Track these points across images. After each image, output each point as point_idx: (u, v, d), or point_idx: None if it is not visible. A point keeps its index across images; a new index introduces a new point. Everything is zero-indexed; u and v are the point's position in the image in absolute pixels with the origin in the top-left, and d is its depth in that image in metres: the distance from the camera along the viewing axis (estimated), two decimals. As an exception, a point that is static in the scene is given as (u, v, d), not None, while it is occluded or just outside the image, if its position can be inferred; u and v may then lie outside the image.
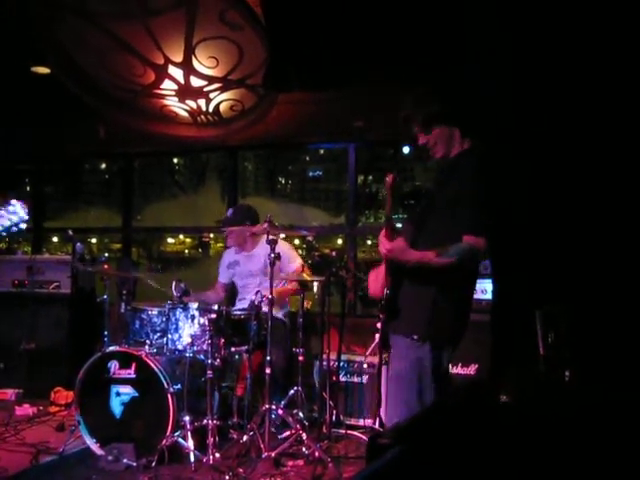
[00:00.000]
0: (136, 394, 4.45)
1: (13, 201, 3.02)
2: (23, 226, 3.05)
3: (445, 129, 3.29)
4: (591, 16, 4.14)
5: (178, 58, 5.68)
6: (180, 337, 4.58)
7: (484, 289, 4.83)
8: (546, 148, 4.52)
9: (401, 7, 4.75)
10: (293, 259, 5.35)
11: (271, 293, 4.43)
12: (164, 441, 4.20)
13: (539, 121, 4.51)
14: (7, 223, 2.99)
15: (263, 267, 5.29)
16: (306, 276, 4.97)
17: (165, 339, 4.62)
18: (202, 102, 6.22)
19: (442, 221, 3.17)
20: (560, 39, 4.31)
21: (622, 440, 1.76)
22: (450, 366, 4.75)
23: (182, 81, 5.94)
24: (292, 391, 4.94)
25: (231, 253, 5.73)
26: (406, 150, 7.14)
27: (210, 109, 6.30)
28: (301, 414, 4.82)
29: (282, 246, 5.05)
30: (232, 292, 5.69)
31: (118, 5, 5.24)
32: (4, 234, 3.01)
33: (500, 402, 2.06)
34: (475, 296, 4.80)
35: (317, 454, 4.31)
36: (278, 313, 5.28)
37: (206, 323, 4.46)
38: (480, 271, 3.58)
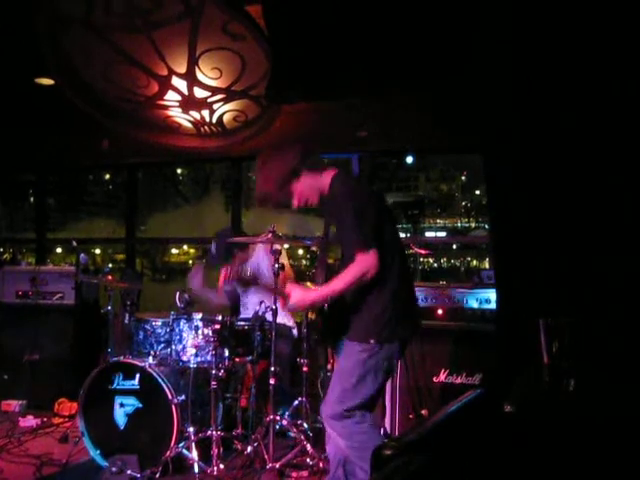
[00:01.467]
0: (140, 405, 4.45)
1: None
2: None
3: (296, 185, 3.59)
4: (591, 17, 4.15)
5: (182, 69, 5.70)
6: (184, 348, 4.58)
7: (488, 299, 4.84)
8: (551, 155, 4.52)
9: (403, 18, 4.77)
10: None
11: (274, 303, 4.43)
12: (168, 452, 4.20)
13: (543, 125, 4.51)
14: None
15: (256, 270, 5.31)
16: (310, 285, 4.97)
17: (169, 350, 4.61)
18: (206, 113, 6.24)
19: (344, 246, 3.54)
20: (561, 44, 4.32)
21: (626, 450, 1.76)
22: (454, 376, 4.78)
23: (186, 92, 5.96)
24: (296, 401, 4.94)
25: None
26: (409, 160, 7.16)
27: (214, 120, 6.31)
28: (305, 425, 4.81)
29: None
30: (236, 302, 5.68)
31: (122, 18, 5.26)
32: None
33: (504, 412, 2.06)
34: (479, 306, 4.84)
35: (321, 465, 4.31)
36: (286, 320, 5.29)
37: (210, 334, 4.46)
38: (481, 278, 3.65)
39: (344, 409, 3.36)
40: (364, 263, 3.27)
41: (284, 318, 5.19)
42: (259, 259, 5.33)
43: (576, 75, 4.31)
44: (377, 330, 3.39)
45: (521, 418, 2.03)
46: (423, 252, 3.79)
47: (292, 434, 4.65)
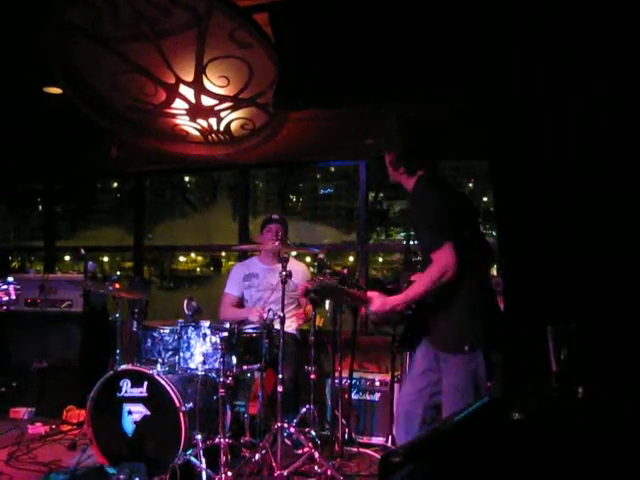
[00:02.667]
0: (148, 413, 4.45)
1: (8, 281, 3.12)
2: (12, 308, 3.17)
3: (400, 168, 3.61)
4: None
5: (189, 77, 5.72)
6: (192, 355, 4.58)
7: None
8: (559, 162, 4.51)
9: (410, 25, 4.78)
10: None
11: (282, 310, 4.43)
12: (176, 460, 4.20)
13: (551, 132, 4.50)
14: None
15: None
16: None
17: (177, 357, 4.61)
18: (213, 121, 6.26)
19: (422, 249, 3.53)
20: (569, 51, 4.32)
21: (636, 458, 1.75)
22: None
23: (193, 100, 5.98)
24: (304, 409, 4.93)
25: (246, 266, 5.74)
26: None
27: (221, 128, 6.33)
28: (313, 432, 4.80)
29: (302, 269, 5.14)
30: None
31: (130, 27, 5.28)
32: None
33: (512, 419, 2.05)
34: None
35: (329, 472, 4.30)
36: (290, 329, 5.29)
37: (218, 341, 4.45)
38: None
39: None
40: (440, 262, 3.22)
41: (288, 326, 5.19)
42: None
43: (585, 81, 4.31)
44: (470, 334, 3.31)
45: (529, 426, 2.03)
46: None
47: (300, 441, 4.64)
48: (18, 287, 3.18)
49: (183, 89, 5.86)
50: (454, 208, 3.43)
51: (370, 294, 3.52)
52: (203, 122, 6.28)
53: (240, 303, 5.68)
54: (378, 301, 3.44)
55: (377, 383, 5.29)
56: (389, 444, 5.10)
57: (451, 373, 3.36)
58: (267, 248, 5.20)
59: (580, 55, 4.25)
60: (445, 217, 3.33)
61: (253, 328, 4.87)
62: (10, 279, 3.16)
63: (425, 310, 3.41)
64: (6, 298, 3.09)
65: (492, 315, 3.41)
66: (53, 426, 5.73)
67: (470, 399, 3.22)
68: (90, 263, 6.01)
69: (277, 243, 4.61)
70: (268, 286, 5.45)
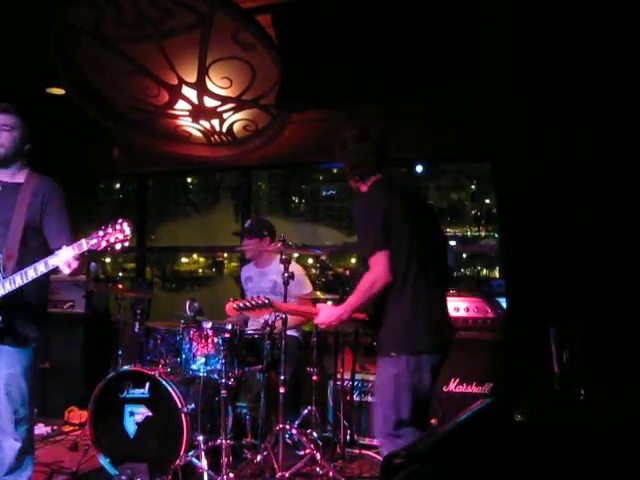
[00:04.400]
0: (150, 414, 4.45)
1: (121, 220, 3.17)
2: (126, 244, 3.17)
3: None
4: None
5: (192, 79, 5.73)
6: (194, 357, 4.57)
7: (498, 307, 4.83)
8: (562, 164, 4.51)
9: (412, 27, 4.78)
10: (305, 287, 5.33)
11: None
12: (178, 461, 4.19)
13: (554, 133, 4.50)
14: (112, 240, 3.13)
15: (273, 287, 5.30)
16: (320, 294, 4.96)
17: (179, 359, 4.61)
18: (216, 122, 6.26)
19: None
20: (572, 53, 4.32)
21: (637, 458, 1.75)
22: (464, 385, 4.78)
23: (196, 101, 5.99)
24: (306, 411, 4.93)
25: (248, 268, 5.73)
26: (419, 169, 7.14)
27: (224, 129, 6.34)
28: (315, 434, 4.80)
29: (297, 271, 5.08)
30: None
31: (133, 28, 5.29)
32: (109, 250, 3.13)
33: (514, 421, 2.05)
34: (489, 315, 4.83)
35: (331, 474, 4.30)
36: (291, 331, 5.28)
37: (220, 342, 4.46)
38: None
39: (392, 427, 3.30)
40: (371, 271, 3.27)
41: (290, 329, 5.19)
42: (278, 268, 5.26)
43: (587, 83, 4.30)
44: (396, 341, 3.34)
45: (531, 427, 2.02)
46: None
47: (302, 443, 4.63)
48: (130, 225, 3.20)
49: (186, 90, 5.87)
50: (394, 215, 3.38)
51: (319, 306, 3.64)
52: (206, 123, 6.29)
53: None
54: (324, 313, 3.51)
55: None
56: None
57: (378, 373, 3.50)
58: (269, 250, 5.18)
59: (580, 55, 4.25)
60: (380, 225, 3.32)
61: (254, 329, 4.87)
62: (120, 220, 3.21)
63: (375, 316, 3.46)
64: (121, 235, 3.12)
65: (421, 323, 3.36)
66: (55, 427, 5.73)
67: (389, 400, 3.31)
68: (92, 264, 6.02)
69: (279, 245, 4.60)
70: (259, 290, 5.42)
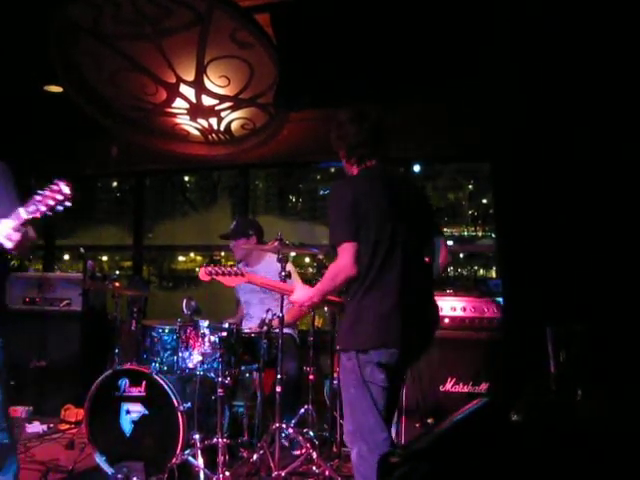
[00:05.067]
0: (146, 412, 4.45)
1: (56, 181, 3.07)
2: (68, 204, 3.09)
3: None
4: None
5: (190, 77, 5.72)
6: (190, 355, 4.57)
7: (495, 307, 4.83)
8: (559, 164, 4.51)
9: (412, 26, 4.78)
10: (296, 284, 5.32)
11: (281, 311, 4.41)
12: (174, 460, 4.19)
13: (552, 134, 4.50)
14: (51, 203, 3.02)
15: None
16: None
17: (175, 357, 4.61)
18: (213, 121, 6.26)
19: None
20: (571, 53, 4.32)
21: (633, 460, 1.75)
22: (460, 385, 4.77)
23: (194, 100, 5.98)
24: (302, 410, 4.92)
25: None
26: (416, 168, 7.14)
27: (221, 128, 6.33)
28: (311, 433, 4.80)
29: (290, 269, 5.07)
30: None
31: (131, 26, 5.29)
32: (49, 214, 3.05)
33: (511, 420, 2.05)
34: (486, 314, 4.83)
35: (327, 473, 4.29)
36: (286, 329, 5.27)
37: (217, 341, 4.45)
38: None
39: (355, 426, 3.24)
40: (336, 262, 3.23)
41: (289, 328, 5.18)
42: (268, 267, 5.27)
43: (586, 83, 4.31)
44: (353, 337, 3.24)
45: (528, 427, 2.02)
46: (427, 260, 3.59)
47: (298, 442, 4.63)
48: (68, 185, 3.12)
49: (184, 88, 5.87)
50: (365, 205, 3.26)
51: (294, 284, 3.69)
52: (203, 122, 6.29)
53: None
54: (299, 292, 3.53)
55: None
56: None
57: (340, 367, 3.42)
58: (265, 249, 5.17)
59: (579, 54, 4.25)
60: (349, 215, 3.23)
61: (252, 328, 4.87)
62: (57, 180, 3.11)
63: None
64: (60, 196, 3.04)
65: (380, 320, 3.21)
66: (51, 425, 5.73)
67: (350, 392, 3.24)
68: (89, 262, 6.01)
69: (277, 244, 4.59)
70: (250, 289, 5.37)
